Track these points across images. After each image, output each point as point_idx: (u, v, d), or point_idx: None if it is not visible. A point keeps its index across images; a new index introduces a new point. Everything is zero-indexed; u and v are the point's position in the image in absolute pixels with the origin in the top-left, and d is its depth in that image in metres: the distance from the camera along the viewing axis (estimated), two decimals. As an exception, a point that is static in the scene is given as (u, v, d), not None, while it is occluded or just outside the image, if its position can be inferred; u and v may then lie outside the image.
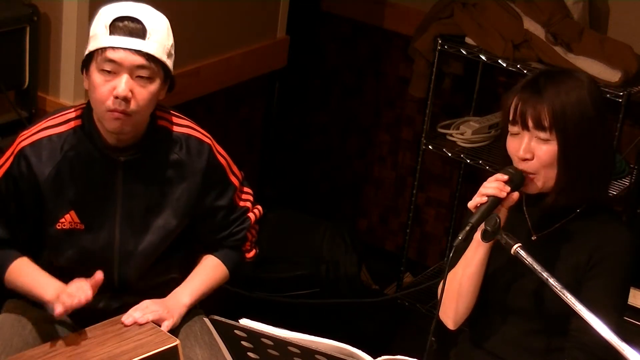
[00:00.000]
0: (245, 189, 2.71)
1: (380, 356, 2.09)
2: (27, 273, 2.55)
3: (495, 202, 2.35)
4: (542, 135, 2.36)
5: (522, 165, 2.39)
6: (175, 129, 2.57)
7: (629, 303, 2.59)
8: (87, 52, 2.44)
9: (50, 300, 2.46)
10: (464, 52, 3.77)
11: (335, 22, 4.46)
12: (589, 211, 2.45)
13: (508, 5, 3.75)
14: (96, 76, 2.41)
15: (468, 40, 3.79)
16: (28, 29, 3.13)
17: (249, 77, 4.00)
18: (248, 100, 4.21)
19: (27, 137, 2.51)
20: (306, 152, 4.72)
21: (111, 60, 2.39)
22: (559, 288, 2.21)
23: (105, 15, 2.42)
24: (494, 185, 2.36)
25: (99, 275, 2.44)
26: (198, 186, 2.58)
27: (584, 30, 3.66)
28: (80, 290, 2.40)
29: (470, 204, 2.38)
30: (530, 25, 3.70)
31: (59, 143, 2.50)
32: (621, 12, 3.82)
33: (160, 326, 2.51)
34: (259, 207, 2.75)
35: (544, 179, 2.39)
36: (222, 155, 2.64)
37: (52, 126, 2.52)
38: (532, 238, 2.47)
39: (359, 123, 4.56)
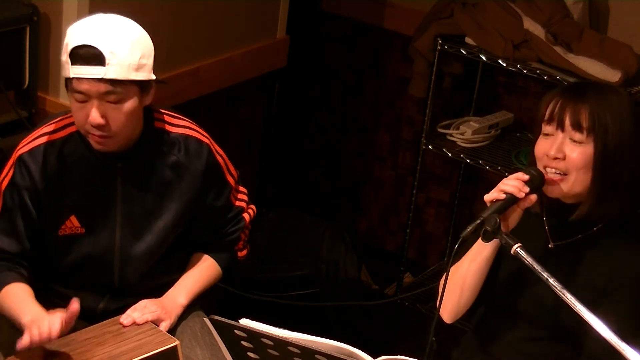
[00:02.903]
0: (241, 189, 2.72)
1: (380, 356, 2.09)
2: (15, 296, 2.49)
3: (511, 200, 2.31)
4: (578, 136, 2.32)
5: (552, 164, 2.34)
6: (173, 130, 2.57)
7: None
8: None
9: (25, 324, 2.39)
10: (464, 52, 3.77)
11: (335, 22, 4.46)
12: (611, 227, 2.40)
13: (508, 5, 3.75)
14: (72, 101, 2.41)
15: (468, 40, 3.79)
16: (28, 29, 3.14)
17: (249, 77, 4.00)
18: (248, 100, 4.21)
19: (24, 145, 2.51)
20: (306, 152, 4.72)
21: (78, 91, 2.37)
22: (559, 288, 2.20)
23: (69, 39, 2.38)
24: (513, 184, 2.31)
25: (74, 305, 2.34)
26: (198, 187, 2.58)
27: (584, 30, 3.66)
28: (50, 326, 2.31)
29: (487, 197, 2.33)
30: (530, 25, 3.70)
31: (56, 149, 2.49)
32: (621, 12, 3.81)
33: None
34: (253, 207, 2.75)
35: (572, 182, 2.34)
36: (220, 155, 2.64)
37: (49, 133, 2.51)
38: (549, 246, 2.44)
39: (359, 123, 4.56)
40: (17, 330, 2.52)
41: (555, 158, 2.34)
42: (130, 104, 2.41)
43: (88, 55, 2.34)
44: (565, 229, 2.43)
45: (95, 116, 2.37)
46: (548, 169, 2.36)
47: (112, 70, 2.35)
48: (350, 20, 4.42)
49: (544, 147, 2.37)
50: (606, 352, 2.17)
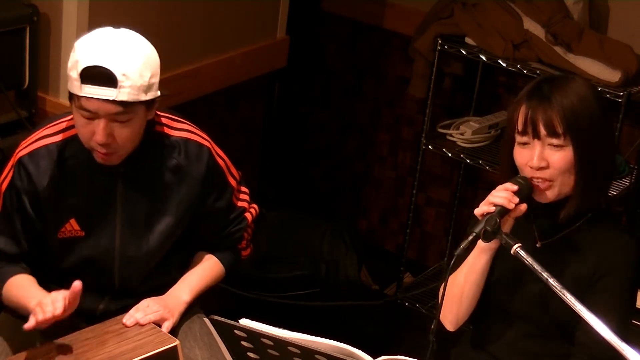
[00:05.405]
0: (242, 189, 2.72)
1: (380, 356, 2.09)
2: (21, 287, 2.51)
3: (502, 212, 2.31)
4: (555, 141, 2.33)
5: (537, 174, 2.35)
6: (173, 133, 2.56)
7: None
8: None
9: (31, 309, 2.40)
10: (464, 52, 3.77)
11: (335, 22, 4.47)
12: (594, 219, 2.42)
13: (508, 5, 3.75)
14: (77, 116, 2.39)
15: (468, 40, 3.79)
16: (28, 29, 3.13)
17: (249, 77, 3.99)
18: (248, 100, 4.21)
19: (24, 148, 2.50)
20: (306, 152, 4.72)
21: (86, 109, 2.35)
22: (558, 288, 2.21)
23: (79, 56, 2.34)
24: (502, 195, 2.32)
25: (76, 285, 2.35)
26: (198, 190, 2.58)
27: (584, 30, 3.66)
28: (53, 304, 2.33)
29: (477, 212, 2.34)
30: (530, 25, 3.70)
31: (56, 152, 2.49)
32: (621, 12, 3.82)
33: (160, 326, 2.51)
34: (255, 206, 2.75)
35: (560, 186, 2.36)
36: (220, 157, 2.63)
37: (49, 135, 2.51)
38: (537, 245, 2.45)
39: (359, 123, 4.56)
40: (17, 330, 2.53)
41: (540, 168, 2.35)
42: (136, 122, 2.41)
43: (100, 76, 2.31)
44: (552, 227, 2.44)
45: (102, 135, 2.36)
46: (534, 179, 2.36)
47: (124, 92, 2.33)
48: (350, 20, 4.42)
49: (524, 157, 2.37)
50: (598, 344, 2.18)
